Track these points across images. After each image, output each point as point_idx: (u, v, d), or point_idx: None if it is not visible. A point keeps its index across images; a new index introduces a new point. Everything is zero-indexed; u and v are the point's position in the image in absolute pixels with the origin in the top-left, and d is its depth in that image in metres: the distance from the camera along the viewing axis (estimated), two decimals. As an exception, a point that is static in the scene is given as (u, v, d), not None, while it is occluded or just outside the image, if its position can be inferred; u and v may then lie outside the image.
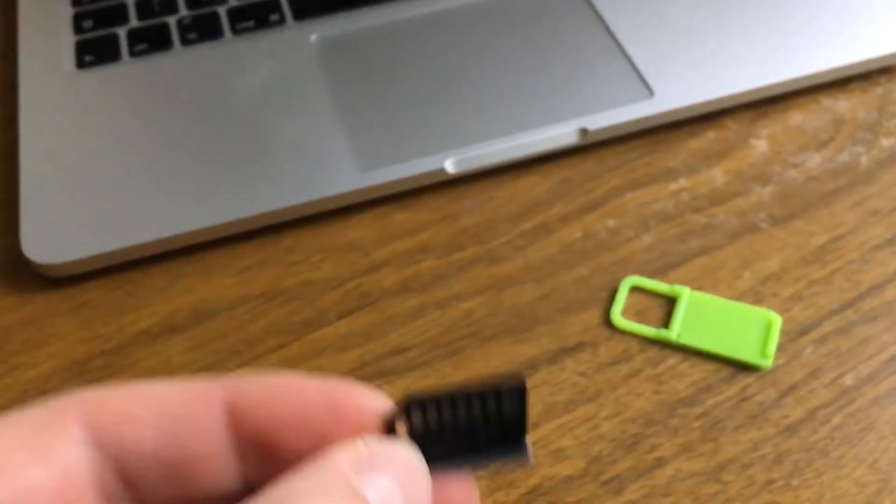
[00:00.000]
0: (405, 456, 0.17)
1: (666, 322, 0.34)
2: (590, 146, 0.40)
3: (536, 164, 0.40)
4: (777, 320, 0.33)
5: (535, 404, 0.32)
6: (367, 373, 0.33)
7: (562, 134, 0.39)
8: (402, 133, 0.39)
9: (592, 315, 0.34)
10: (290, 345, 0.34)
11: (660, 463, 0.30)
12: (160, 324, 0.35)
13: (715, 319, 0.33)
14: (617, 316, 0.34)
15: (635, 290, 0.35)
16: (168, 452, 0.18)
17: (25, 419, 0.17)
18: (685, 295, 0.34)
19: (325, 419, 0.18)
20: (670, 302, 0.34)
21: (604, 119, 0.39)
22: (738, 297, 0.34)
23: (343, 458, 0.16)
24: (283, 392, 0.18)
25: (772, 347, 0.32)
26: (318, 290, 0.36)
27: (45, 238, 0.36)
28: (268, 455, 0.18)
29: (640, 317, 0.34)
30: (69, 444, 0.17)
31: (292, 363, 0.34)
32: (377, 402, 0.19)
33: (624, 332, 0.34)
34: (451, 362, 0.33)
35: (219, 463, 0.18)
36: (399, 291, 0.36)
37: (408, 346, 0.34)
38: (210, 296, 0.36)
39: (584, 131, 0.39)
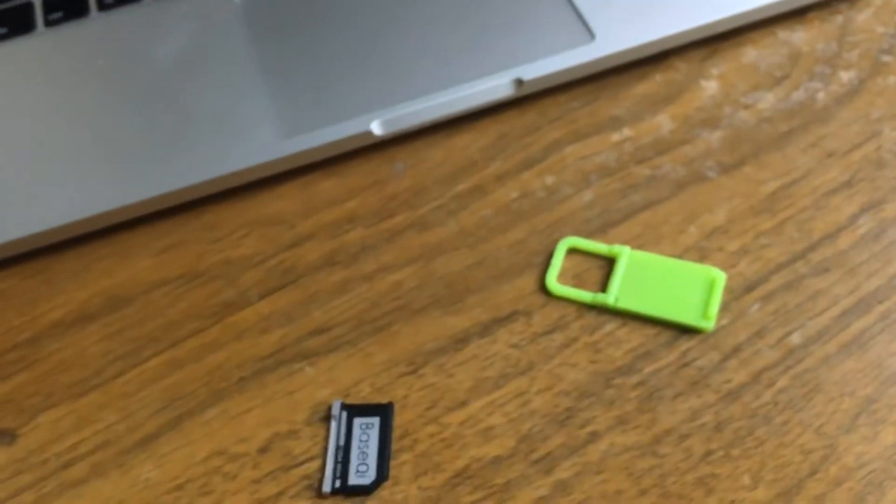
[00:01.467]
0: None
1: (604, 285, 0.32)
2: (528, 97, 0.38)
3: (472, 119, 0.37)
4: (721, 277, 0.31)
5: (464, 381, 0.30)
6: (289, 355, 0.31)
7: (496, 86, 0.37)
8: (328, 94, 0.37)
9: (527, 281, 0.32)
10: (209, 329, 0.32)
11: (593, 438, 0.29)
12: (74, 312, 0.33)
13: (655, 280, 0.31)
14: (552, 281, 0.32)
15: (573, 252, 0.33)
16: None
17: None
18: (625, 255, 0.32)
19: None
20: (610, 263, 0.32)
21: (540, 68, 0.37)
22: (682, 254, 0.32)
23: None
24: None
25: (714, 308, 0.30)
26: (240, 269, 0.34)
27: (-49, 228, 0.34)
28: None
29: (577, 281, 0.32)
30: None
31: (211, 348, 0.32)
32: None
33: (560, 299, 0.32)
34: (376, 339, 0.32)
35: None
36: (324, 266, 0.34)
37: (332, 324, 0.32)
38: (127, 280, 0.34)
39: (519, 82, 0.37)
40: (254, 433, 0.30)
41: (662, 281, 0.31)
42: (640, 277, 0.31)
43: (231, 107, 0.37)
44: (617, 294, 0.31)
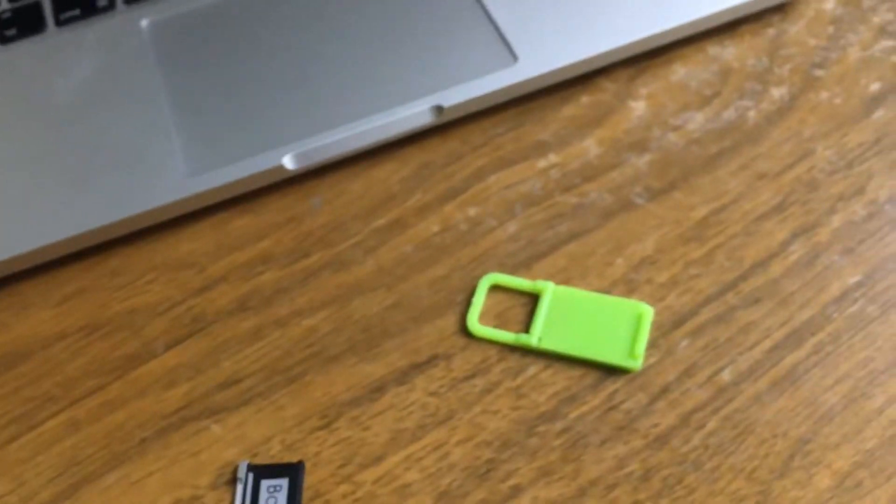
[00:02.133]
0: None
1: (528, 325, 0.30)
2: (450, 123, 0.36)
3: (392, 149, 0.36)
4: (648, 312, 0.30)
5: (380, 434, 0.29)
6: (195, 411, 0.30)
7: (415, 114, 0.35)
8: (239, 127, 0.35)
9: (448, 322, 0.31)
10: (109, 385, 0.30)
11: (515, 492, 0.27)
12: (-33, 372, 0.31)
13: (581, 318, 0.30)
14: (474, 322, 0.30)
15: (496, 289, 0.31)
16: None
17: None
18: (548, 291, 0.30)
19: None
20: (534, 300, 0.31)
21: (461, 93, 0.35)
22: (610, 288, 0.31)
23: None
24: None
25: (642, 345, 0.29)
26: (145, 318, 0.32)
27: None
28: None
29: (499, 320, 0.31)
30: None
31: (112, 407, 0.30)
32: None
33: (482, 340, 0.30)
34: (288, 391, 0.30)
35: None
36: (235, 311, 0.32)
37: (241, 375, 0.30)
38: (25, 333, 0.32)
39: (439, 109, 0.35)
40: (155, 500, 0.28)
41: (588, 318, 0.30)
42: (565, 315, 0.30)
43: (138, 142, 0.35)
44: (540, 334, 0.29)
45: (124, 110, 0.36)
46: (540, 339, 0.29)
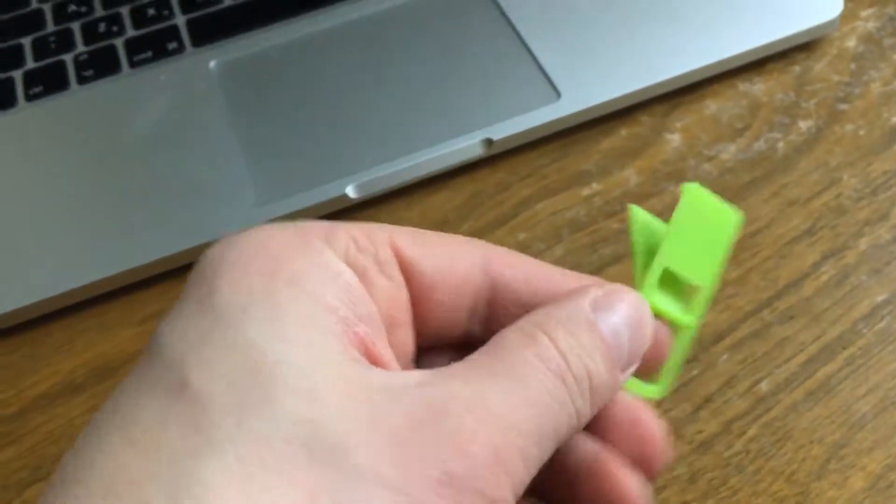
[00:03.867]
0: (635, 302, 0.20)
1: None
2: (499, 155, 0.39)
3: (445, 179, 0.38)
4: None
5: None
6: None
7: (466, 147, 0.38)
8: (303, 160, 0.38)
9: (502, 338, 0.33)
10: (192, 397, 0.33)
11: (571, 493, 0.29)
12: (60, 385, 0.34)
13: None
14: None
15: None
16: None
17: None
18: None
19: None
20: None
21: (509, 127, 0.38)
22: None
23: (585, 299, 0.19)
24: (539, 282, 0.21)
25: (667, 377, 0.31)
26: (221, 335, 0.34)
27: (-65, 306, 0.35)
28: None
29: None
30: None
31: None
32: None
33: None
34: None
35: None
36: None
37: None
38: (111, 350, 0.35)
39: (488, 142, 0.38)
40: None
41: None
42: None
43: (209, 175, 0.38)
44: None
45: (196, 145, 0.39)
46: None
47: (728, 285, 0.33)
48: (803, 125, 0.38)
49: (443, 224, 0.37)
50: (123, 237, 0.36)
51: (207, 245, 0.36)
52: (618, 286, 0.20)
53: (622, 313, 0.19)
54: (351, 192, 0.37)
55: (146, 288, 0.36)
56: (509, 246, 0.36)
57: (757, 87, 0.40)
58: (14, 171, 0.40)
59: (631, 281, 0.34)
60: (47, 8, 0.45)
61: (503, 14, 0.42)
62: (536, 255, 0.35)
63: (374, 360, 0.18)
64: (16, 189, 0.39)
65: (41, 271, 0.36)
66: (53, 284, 0.35)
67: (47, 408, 0.33)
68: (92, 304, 0.36)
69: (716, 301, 0.33)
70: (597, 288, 0.20)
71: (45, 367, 0.34)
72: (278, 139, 0.39)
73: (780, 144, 0.38)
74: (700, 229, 0.26)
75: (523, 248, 0.36)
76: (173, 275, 0.36)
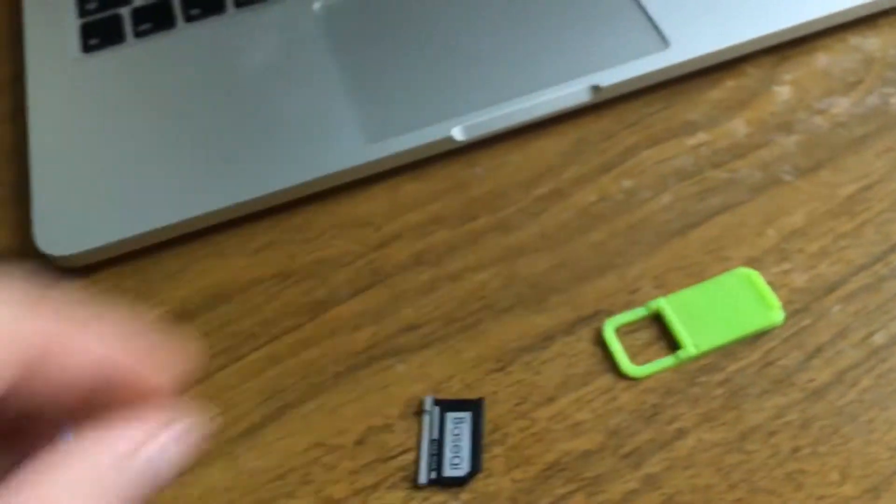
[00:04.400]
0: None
1: (670, 343, 0.31)
2: (605, 103, 0.39)
3: (550, 125, 0.38)
4: (754, 273, 0.32)
5: (551, 378, 0.31)
6: (381, 351, 0.33)
7: (573, 92, 0.38)
8: (409, 101, 0.38)
9: (609, 282, 0.33)
10: (304, 326, 0.34)
11: (680, 434, 0.30)
12: (176, 310, 0.35)
13: (706, 310, 0.32)
14: (628, 366, 0.31)
15: (618, 330, 0.32)
16: None
17: None
18: (664, 304, 0.32)
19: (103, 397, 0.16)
20: (655, 320, 0.32)
21: (617, 74, 0.38)
22: (762, 256, 0.33)
23: (109, 452, 0.15)
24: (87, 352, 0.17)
25: (772, 298, 0.31)
26: (330, 269, 0.35)
27: (58, 230, 0.36)
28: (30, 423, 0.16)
29: (643, 350, 0.31)
30: None
31: (307, 344, 0.33)
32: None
33: (645, 377, 0.31)
34: (465, 337, 0.33)
35: None
36: (412, 266, 0.35)
37: (421, 322, 0.33)
38: (224, 278, 0.36)
39: (596, 88, 0.38)
40: (350, 426, 0.31)
41: (711, 306, 0.32)
42: (692, 316, 0.31)
43: (316, 113, 0.38)
44: (692, 342, 0.31)
45: (301, 84, 0.40)
46: (696, 346, 0.31)
47: (840, 237, 0.33)
48: (919, 81, 0.37)
49: (547, 169, 0.37)
50: (236, 171, 0.37)
51: (316, 181, 0.37)
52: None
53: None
54: (457, 133, 0.37)
55: (258, 220, 0.37)
56: (614, 194, 0.36)
57: (870, 41, 0.39)
58: (127, 105, 0.41)
59: (737, 232, 0.34)
60: (155, -54, 0.46)
61: (609, -38, 0.41)
62: (642, 203, 0.35)
63: None
64: (130, 122, 0.40)
65: (156, 201, 0.37)
66: (168, 214, 0.36)
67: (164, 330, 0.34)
68: (204, 235, 0.37)
69: (827, 253, 0.33)
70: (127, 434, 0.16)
71: (159, 292, 0.36)
72: (383, 81, 0.39)
73: (894, 100, 0.37)
74: (727, 305, 0.31)
75: (630, 195, 0.36)
76: (285, 208, 0.37)
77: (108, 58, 0.43)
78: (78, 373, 0.17)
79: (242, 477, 0.31)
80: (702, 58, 0.38)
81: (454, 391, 0.31)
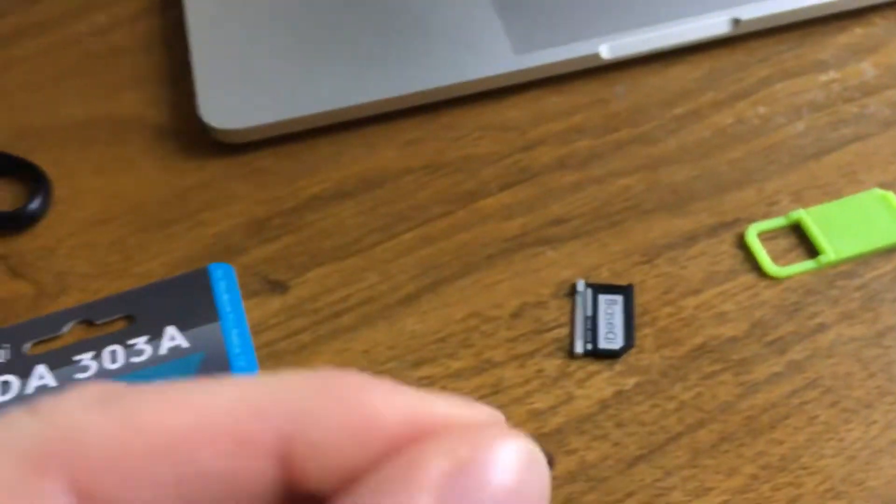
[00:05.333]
0: (513, 464, 0.12)
1: (808, 251, 0.34)
2: (738, 38, 0.41)
3: (685, 53, 0.40)
4: (888, 194, 0.34)
5: (695, 273, 0.33)
6: (531, 239, 0.35)
7: (715, 23, 0.40)
8: (557, 17, 0.40)
9: (748, 194, 0.35)
10: (455, 212, 0.36)
11: (821, 328, 0.32)
12: (331, 189, 0.37)
13: (844, 223, 0.34)
14: (771, 266, 0.33)
15: (761, 235, 0.34)
16: None
17: None
18: (805, 215, 0.34)
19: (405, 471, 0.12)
20: (794, 229, 0.34)
21: (756, 9, 0.40)
22: (894, 182, 0.35)
23: (425, 480, 0.12)
24: (357, 427, 0.13)
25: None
26: (479, 164, 0.37)
27: (221, 106, 0.38)
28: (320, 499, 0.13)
29: (782, 255, 0.34)
30: None
31: (459, 229, 0.35)
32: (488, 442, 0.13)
33: (787, 277, 0.33)
34: (611, 233, 0.35)
35: None
36: (556, 167, 0.37)
37: (568, 216, 0.35)
38: (375, 166, 0.38)
39: (736, 21, 0.40)
40: (505, 300, 0.33)
41: (849, 220, 0.34)
42: (832, 227, 0.34)
43: (465, 22, 0.40)
44: (832, 249, 0.33)
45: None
46: (836, 252, 0.33)
47: (969, 170, 0.35)
48: None
49: (684, 92, 0.39)
50: (390, 68, 0.39)
51: (465, 84, 0.39)
52: (482, 431, 0.13)
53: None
54: (604, 51, 0.39)
55: (406, 117, 0.39)
56: (750, 118, 0.38)
57: None
58: (291, 5, 0.43)
59: (870, 159, 0.36)
60: None
61: None
62: (777, 128, 0.37)
63: None
64: (286, 13, 0.42)
65: (313, 89, 0.38)
66: (324, 101, 0.38)
67: (320, 207, 0.36)
68: (356, 126, 0.39)
69: (956, 183, 0.35)
70: (445, 450, 0.12)
71: (315, 173, 0.37)
72: None
73: None
74: (863, 221, 0.33)
75: (765, 120, 0.38)
76: (432, 108, 0.39)
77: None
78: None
79: (404, 337, 0.32)
80: (836, 3, 0.40)
81: (603, 278, 0.33)
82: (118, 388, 0.13)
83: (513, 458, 0.12)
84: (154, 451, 0.12)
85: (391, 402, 0.13)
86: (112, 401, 0.13)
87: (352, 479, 0.13)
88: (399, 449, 0.13)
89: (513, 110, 0.39)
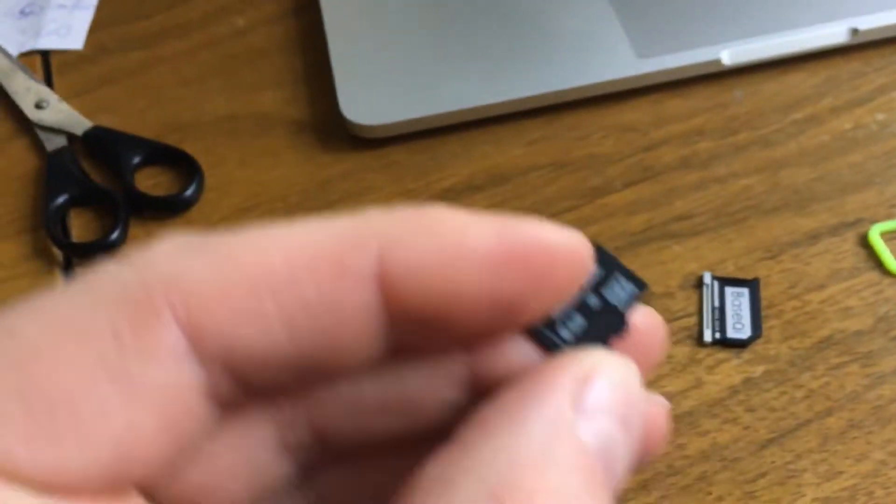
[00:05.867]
0: (623, 377, 0.14)
1: None
2: (855, 47, 0.42)
3: (801, 61, 0.42)
4: None
5: (819, 269, 0.35)
6: (656, 234, 0.36)
7: (833, 32, 0.41)
8: (678, 23, 0.42)
9: (869, 196, 0.36)
10: (581, 207, 0.38)
11: (947, 325, 0.33)
12: (462, 183, 0.39)
13: None
14: (895, 265, 0.34)
15: (884, 234, 0.35)
16: (299, 351, 0.13)
17: (97, 322, 0.12)
18: None
19: (505, 282, 0.14)
20: None
21: (875, 20, 0.41)
22: None
23: (562, 398, 0.13)
24: (450, 245, 0.13)
25: None
26: (603, 163, 0.39)
27: (360, 103, 0.41)
28: (424, 326, 0.14)
29: None
30: (167, 363, 0.12)
31: (586, 222, 0.37)
32: (574, 249, 0.15)
33: None
34: (735, 230, 0.36)
35: (363, 343, 0.14)
36: (679, 167, 0.39)
37: (692, 213, 0.37)
38: (503, 163, 0.40)
39: (854, 31, 0.41)
40: (633, 291, 0.35)
41: None
42: None
43: (589, 27, 0.42)
44: None
45: (580, 2, 0.43)
46: None
47: None
48: None
49: (802, 98, 0.40)
50: (517, 71, 0.41)
51: (589, 87, 0.40)
52: (592, 354, 0.14)
53: (611, 406, 0.13)
54: (725, 57, 0.41)
55: (533, 117, 0.41)
56: (868, 124, 0.39)
57: None
58: (423, 10, 0.45)
59: None
60: None
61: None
62: (895, 135, 0.38)
63: None
64: (419, 16, 0.44)
65: (446, 89, 0.41)
66: (455, 101, 0.40)
67: (452, 200, 0.38)
68: (483, 124, 0.41)
69: None
70: (571, 371, 0.14)
71: (446, 168, 0.40)
72: (653, 3, 0.43)
73: None
74: None
75: (883, 126, 0.39)
76: (555, 109, 0.41)
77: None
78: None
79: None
80: (955, 14, 0.41)
81: (728, 272, 0.35)
82: (206, 236, 0.13)
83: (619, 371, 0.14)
84: (257, 285, 0.13)
85: (479, 225, 0.14)
86: (205, 245, 0.13)
87: (448, 301, 0.13)
88: (489, 268, 0.13)
89: (635, 112, 0.41)
